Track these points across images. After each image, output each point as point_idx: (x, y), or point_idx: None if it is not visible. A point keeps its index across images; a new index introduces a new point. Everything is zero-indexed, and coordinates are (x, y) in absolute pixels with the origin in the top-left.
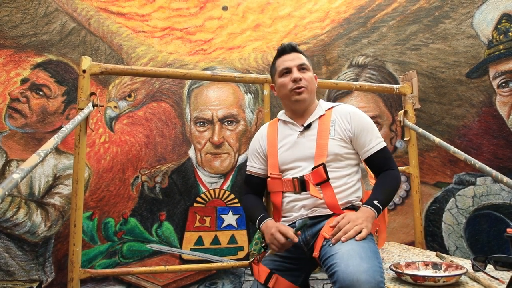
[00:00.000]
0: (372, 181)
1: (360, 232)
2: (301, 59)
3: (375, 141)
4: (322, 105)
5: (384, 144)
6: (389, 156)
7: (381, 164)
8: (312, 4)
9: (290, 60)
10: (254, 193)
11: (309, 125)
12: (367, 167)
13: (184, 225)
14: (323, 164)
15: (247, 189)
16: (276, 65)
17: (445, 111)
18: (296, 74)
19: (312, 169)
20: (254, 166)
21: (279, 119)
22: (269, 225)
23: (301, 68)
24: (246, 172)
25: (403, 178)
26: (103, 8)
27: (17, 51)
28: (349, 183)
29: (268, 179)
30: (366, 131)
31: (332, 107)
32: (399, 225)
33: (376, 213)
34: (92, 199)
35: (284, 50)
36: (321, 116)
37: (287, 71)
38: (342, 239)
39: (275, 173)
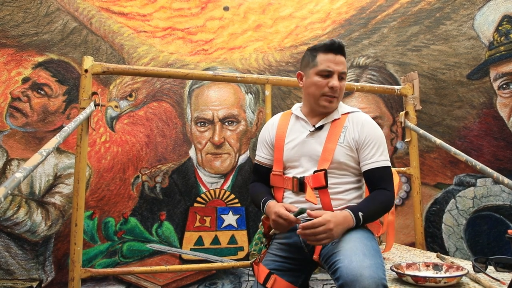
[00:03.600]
0: None
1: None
2: (344, 65)
3: (378, 157)
4: (340, 109)
5: (387, 164)
6: (388, 177)
7: (377, 182)
8: (313, 5)
9: (336, 63)
10: (261, 182)
11: (320, 127)
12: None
13: (184, 225)
14: (324, 170)
15: (254, 178)
16: (317, 60)
17: (446, 112)
18: (335, 81)
19: (314, 172)
20: (262, 156)
21: (292, 113)
22: (270, 207)
23: (341, 77)
24: (254, 161)
25: (403, 179)
26: (105, 7)
27: (19, 50)
28: (348, 191)
29: (271, 174)
30: (373, 145)
31: (348, 113)
32: (399, 226)
33: (354, 226)
34: (92, 199)
35: (333, 47)
36: (335, 119)
37: (329, 74)
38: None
39: (278, 170)
